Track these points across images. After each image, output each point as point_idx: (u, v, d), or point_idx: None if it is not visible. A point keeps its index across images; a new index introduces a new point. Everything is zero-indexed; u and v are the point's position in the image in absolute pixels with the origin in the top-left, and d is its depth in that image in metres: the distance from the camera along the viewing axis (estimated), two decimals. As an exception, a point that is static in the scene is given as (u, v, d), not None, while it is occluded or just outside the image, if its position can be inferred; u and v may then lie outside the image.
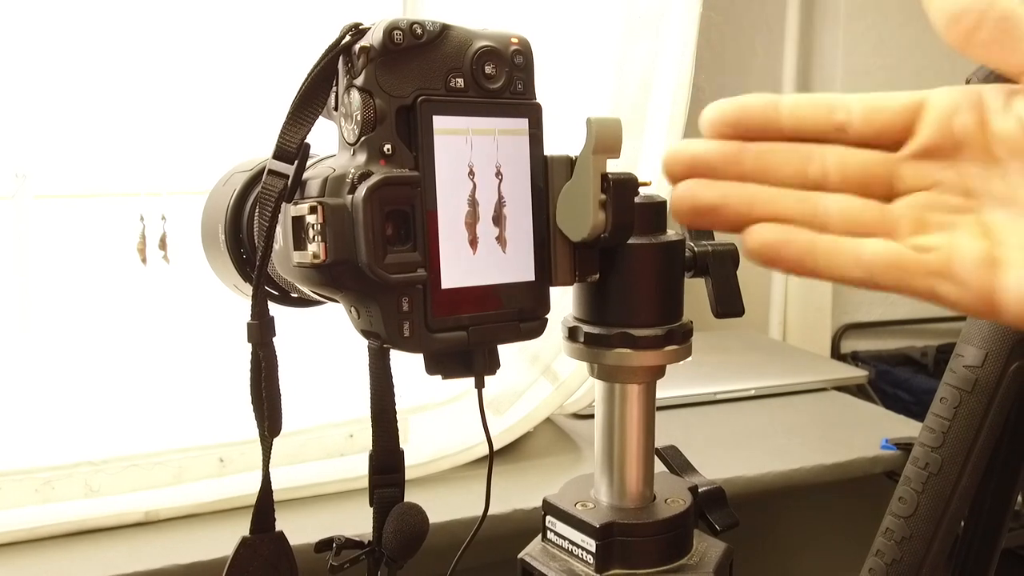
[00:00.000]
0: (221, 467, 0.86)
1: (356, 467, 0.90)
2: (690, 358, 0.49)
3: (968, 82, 0.64)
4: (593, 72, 0.89)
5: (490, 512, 0.86)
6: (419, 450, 0.91)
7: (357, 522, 0.85)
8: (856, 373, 1.39)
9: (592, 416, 1.13)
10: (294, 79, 1.02)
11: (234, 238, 0.54)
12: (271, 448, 0.41)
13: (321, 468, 0.89)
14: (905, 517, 0.53)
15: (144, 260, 0.95)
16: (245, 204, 0.54)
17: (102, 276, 0.95)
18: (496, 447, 0.97)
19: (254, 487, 0.89)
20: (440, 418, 0.93)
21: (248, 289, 0.55)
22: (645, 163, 0.91)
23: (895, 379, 2.00)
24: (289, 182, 0.38)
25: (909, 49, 2.04)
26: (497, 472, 0.99)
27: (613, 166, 0.43)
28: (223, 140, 0.98)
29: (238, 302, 0.58)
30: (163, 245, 0.95)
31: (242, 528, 0.87)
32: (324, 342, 0.90)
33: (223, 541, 0.83)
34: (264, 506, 0.41)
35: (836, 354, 2.11)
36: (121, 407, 0.91)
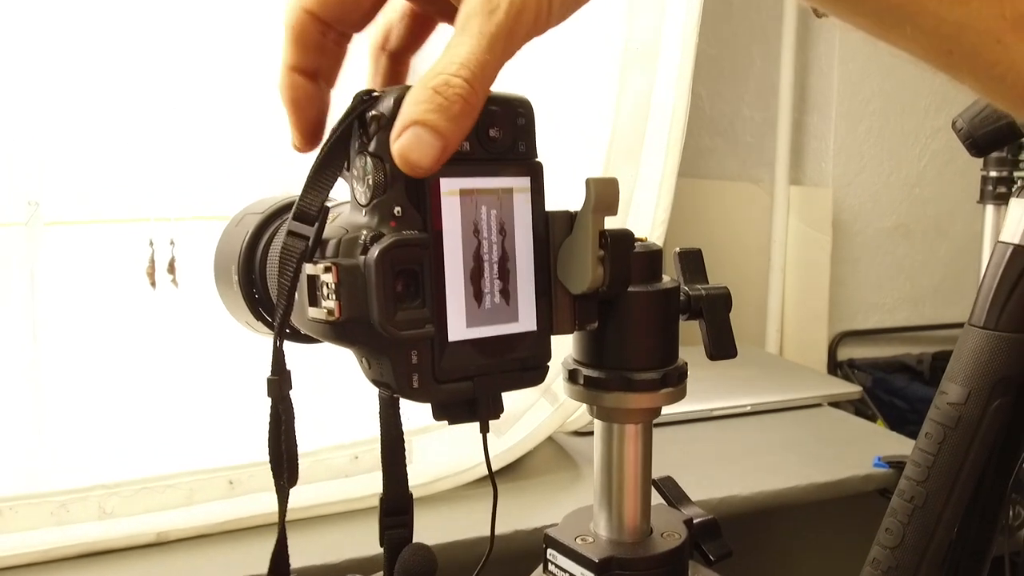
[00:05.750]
0: (230, 489, 0.88)
1: (361, 488, 0.92)
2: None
3: (954, 124, 0.66)
4: (591, 100, 0.91)
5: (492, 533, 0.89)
6: (422, 471, 0.93)
7: (362, 543, 0.87)
8: (850, 388, 1.41)
9: (591, 433, 1.14)
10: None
11: (247, 279, 0.56)
12: (288, 499, 0.43)
13: (327, 489, 0.91)
14: (891, 548, 0.55)
15: (153, 284, 0.97)
16: (257, 246, 0.56)
17: (113, 301, 0.97)
18: (497, 467, 0.99)
19: (263, 508, 0.92)
20: (442, 439, 0.95)
21: (260, 327, 0.57)
22: (642, 188, 0.93)
23: (891, 387, 2.02)
24: (310, 244, 0.40)
25: (904, 58, 2.06)
26: (500, 492, 1.01)
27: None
28: (230, 167, 1.00)
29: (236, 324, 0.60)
30: (172, 269, 0.98)
31: (251, 548, 0.90)
32: (329, 366, 0.92)
33: (233, 561, 0.86)
34: (280, 556, 0.43)
35: (832, 362, 2.13)
36: (133, 431, 0.93)
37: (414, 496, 0.48)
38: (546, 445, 1.10)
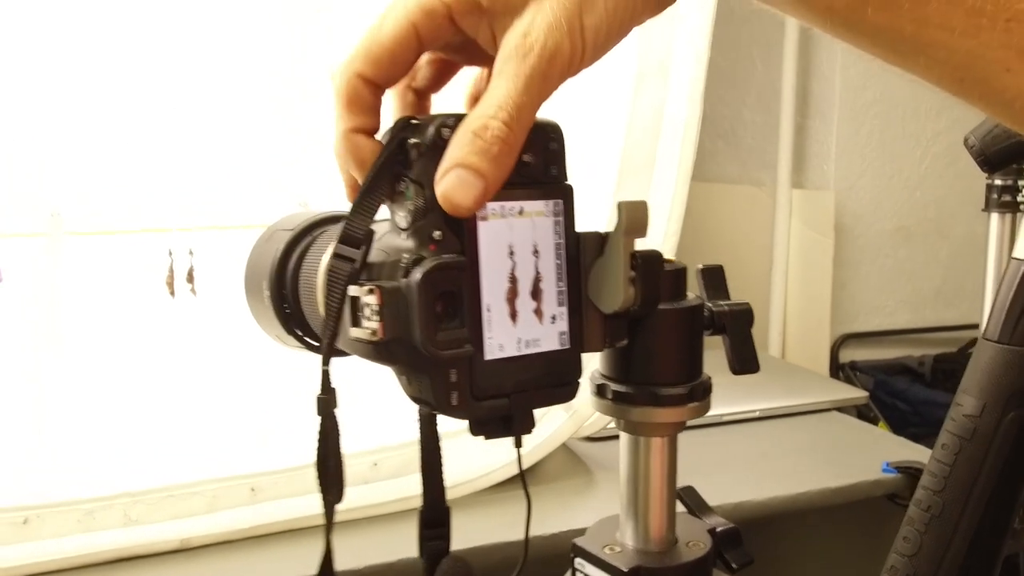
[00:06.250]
0: (252, 496, 0.89)
1: (381, 494, 0.94)
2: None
3: (966, 141, 0.68)
4: (604, 114, 0.93)
5: (508, 539, 0.91)
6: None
7: (381, 548, 0.88)
8: (857, 394, 1.43)
9: (604, 439, 1.16)
10: (319, 117, 1.05)
11: (278, 294, 0.57)
12: (334, 513, 0.44)
13: (347, 495, 0.92)
14: (909, 556, 0.57)
15: (172, 293, 0.98)
16: (288, 262, 0.57)
17: (133, 310, 0.99)
18: (512, 474, 1.00)
19: (285, 515, 0.93)
20: (457, 447, 0.96)
21: (290, 340, 0.59)
22: (653, 201, 0.95)
23: (893, 389, 2.04)
24: (356, 266, 0.42)
25: (917, 82, 2.08)
26: (514, 497, 1.03)
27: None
28: (247, 178, 1.01)
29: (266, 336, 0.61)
30: (190, 278, 0.99)
31: (273, 554, 0.91)
32: (349, 374, 0.93)
33: (255, 567, 0.87)
34: (326, 566, 0.45)
35: (835, 364, 2.14)
36: (157, 439, 0.95)
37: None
38: (559, 451, 1.11)
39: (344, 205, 0.60)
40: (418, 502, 0.94)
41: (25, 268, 0.92)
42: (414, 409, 1.01)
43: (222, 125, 1.01)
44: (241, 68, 1.01)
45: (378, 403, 0.91)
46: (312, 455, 0.80)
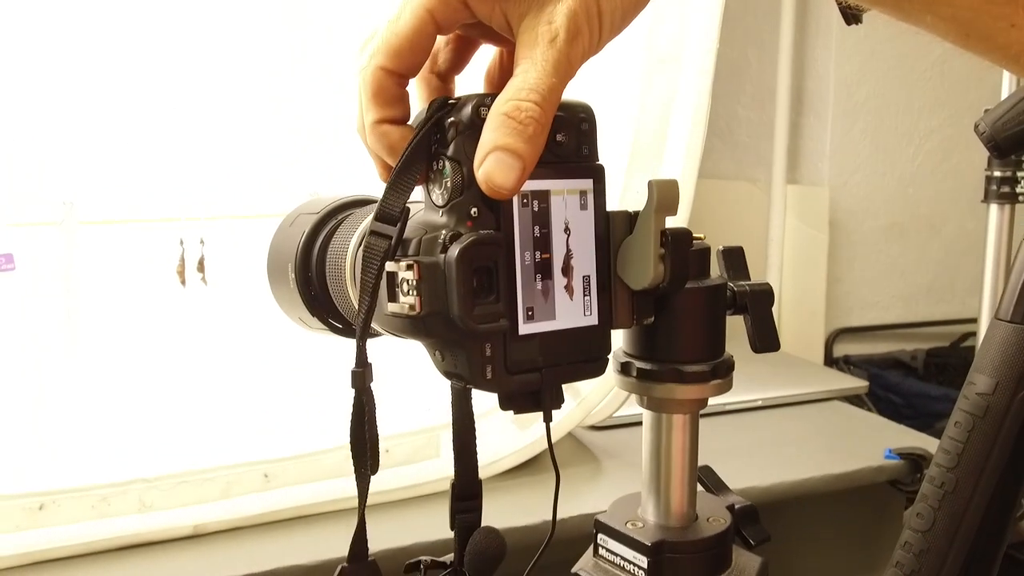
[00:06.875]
0: (266, 482, 0.90)
1: (392, 481, 0.94)
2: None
3: (976, 128, 0.69)
4: (615, 106, 0.94)
5: (521, 523, 0.92)
6: (451, 463, 0.95)
7: (393, 533, 0.89)
8: (857, 384, 1.45)
9: (610, 427, 1.17)
10: (330, 107, 1.05)
11: (304, 277, 0.58)
12: (368, 485, 0.45)
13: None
14: (923, 531, 0.58)
15: (183, 282, 0.99)
16: (314, 245, 0.58)
17: (145, 298, 0.99)
18: (520, 460, 1.01)
19: (297, 501, 0.94)
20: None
21: (314, 323, 0.60)
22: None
23: (886, 383, 2.06)
24: (393, 243, 0.42)
25: (899, 60, 2.10)
26: (523, 484, 1.04)
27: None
28: (258, 168, 1.02)
29: (276, 321, 0.62)
30: (201, 267, 1.00)
31: (286, 540, 0.92)
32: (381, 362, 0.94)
33: (267, 553, 0.88)
34: (360, 538, 0.46)
35: (829, 358, 2.17)
36: (171, 426, 0.95)
37: (441, 489, 0.50)
38: (565, 440, 1.13)
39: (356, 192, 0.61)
40: (429, 488, 0.96)
41: (39, 256, 0.92)
42: (424, 397, 1.01)
43: (238, 115, 1.02)
44: (243, 67, 1.02)
45: (389, 391, 0.92)
46: (331, 438, 0.82)
